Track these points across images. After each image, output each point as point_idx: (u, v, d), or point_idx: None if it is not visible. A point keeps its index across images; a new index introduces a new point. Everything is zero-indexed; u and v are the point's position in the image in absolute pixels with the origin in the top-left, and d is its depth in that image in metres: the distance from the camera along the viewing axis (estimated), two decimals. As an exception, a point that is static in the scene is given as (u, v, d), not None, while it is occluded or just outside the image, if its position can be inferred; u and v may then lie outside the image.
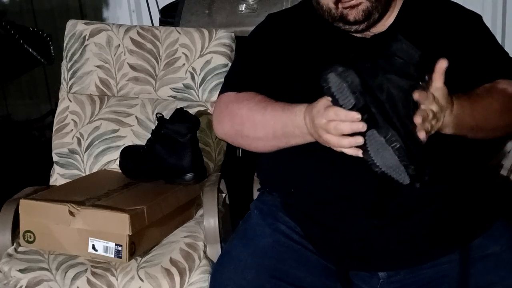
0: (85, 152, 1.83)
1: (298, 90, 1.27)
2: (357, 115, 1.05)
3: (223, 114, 1.33)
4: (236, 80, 1.38)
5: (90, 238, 1.46)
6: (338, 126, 1.08)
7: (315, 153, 1.26)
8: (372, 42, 1.29)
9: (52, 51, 2.42)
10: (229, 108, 1.32)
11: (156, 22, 2.80)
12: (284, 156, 1.31)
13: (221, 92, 1.40)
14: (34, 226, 1.50)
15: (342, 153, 1.22)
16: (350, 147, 1.08)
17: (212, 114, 1.44)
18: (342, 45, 1.31)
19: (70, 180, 1.78)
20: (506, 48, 1.39)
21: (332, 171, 1.24)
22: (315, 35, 1.34)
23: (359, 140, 1.07)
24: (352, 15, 1.27)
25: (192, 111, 1.81)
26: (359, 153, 1.08)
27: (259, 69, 1.34)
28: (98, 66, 1.91)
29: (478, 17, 1.37)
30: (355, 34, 1.31)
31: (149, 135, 1.71)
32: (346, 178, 1.23)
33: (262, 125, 1.25)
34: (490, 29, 1.40)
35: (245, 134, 1.29)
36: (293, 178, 1.30)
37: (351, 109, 1.06)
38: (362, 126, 1.05)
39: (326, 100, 1.10)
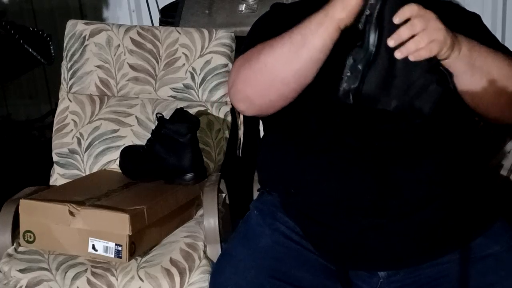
0: (85, 152, 1.83)
1: None
2: None
3: (238, 69, 1.30)
4: (245, 49, 1.36)
5: (90, 238, 1.46)
6: None
7: (316, 153, 1.26)
8: None
9: (52, 51, 2.42)
10: (244, 57, 1.30)
11: (156, 22, 2.80)
12: (284, 156, 1.31)
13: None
14: (34, 226, 1.50)
15: (342, 154, 1.23)
16: None
17: (228, 84, 1.39)
18: (345, 37, 1.31)
19: (70, 180, 1.79)
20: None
21: (332, 171, 1.24)
22: None
23: None
24: None
25: (192, 111, 1.82)
26: None
27: None
28: (98, 66, 1.91)
29: (477, 17, 1.39)
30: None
31: (149, 135, 1.71)
32: (346, 178, 1.23)
33: (280, 41, 1.22)
34: (490, 29, 1.42)
35: (263, 65, 1.24)
36: (293, 179, 1.30)
37: None
38: None
39: None
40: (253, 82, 1.27)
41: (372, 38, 1.13)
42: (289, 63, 1.21)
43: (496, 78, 1.22)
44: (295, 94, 1.25)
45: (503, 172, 1.68)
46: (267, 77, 1.24)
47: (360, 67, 1.14)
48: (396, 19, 1.11)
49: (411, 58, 1.11)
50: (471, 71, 1.19)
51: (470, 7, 1.47)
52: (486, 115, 1.31)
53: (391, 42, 1.11)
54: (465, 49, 1.17)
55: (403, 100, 1.17)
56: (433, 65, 1.16)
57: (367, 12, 1.14)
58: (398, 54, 1.11)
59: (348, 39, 1.18)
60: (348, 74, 1.15)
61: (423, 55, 1.12)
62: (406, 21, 1.12)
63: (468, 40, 1.19)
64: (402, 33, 1.11)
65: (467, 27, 1.33)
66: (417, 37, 1.11)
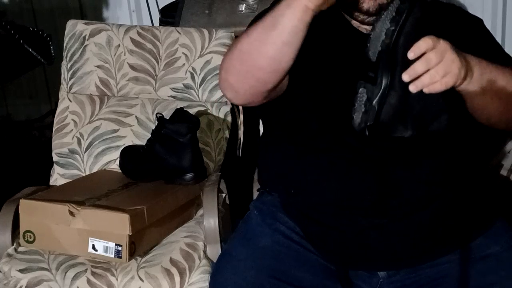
0: (85, 152, 1.83)
1: (300, 81, 1.27)
2: None
3: (223, 59, 1.27)
4: None
5: (90, 238, 1.46)
6: None
7: (316, 153, 1.26)
8: None
9: (52, 51, 2.42)
10: (228, 48, 1.30)
11: (156, 22, 2.80)
12: (284, 156, 1.31)
13: None
14: (34, 226, 1.50)
15: (343, 154, 1.22)
16: None
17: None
18: (347, 39, 1.31)
19: (70, 180, 1.79)
20: (506, 48, 1.40)
21: (332, 171, 1.24)
22: (320, 25, 1.34)
23: None
24: (368, 4, 1.27)
25: (192, 111, 1.81)
26: None
27: None
28: (98, 66, 1.91)
29: (480, 21, 1.39)
30: (361, 28, 1.31)
31: (149, 135, 1.71)
32: (346, 178, 1.23)
33: (254, 26, 1.19)
34: (490, 30, 1.42)
35: (239, 52, 1.21)
36: (293, 178, 1.30)
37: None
38: None
39: None
40: (233, 69, 1.23)
41: (386, 76, 1.12)
42: (261, 46, 1.16)
43: (504, 94, 1.21)
44: (275, 79, 1.20)
45: (503, 172, 1.69)
46: (244, 63, 1.20)
47: (375, 104, 1.13)
48: (411, 55, 1.07)
49: (426, 90, 1.08)
50: (482, 93, 1.18)
51: (470, 7, 1.47)
52: (489, 125, 1.30)
53: (405, 77, 1.07)
54: (476, 74, 1.14)
55: (419, 128, 1.18)
56: (446, 93, 1.15)
57: (379, 48, 1.12)
58: (412, 88, 1.07)
59: (356, 55, 1.17)
60: (363, 110, 1.14)
61: (437, 88, 1.08)
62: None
63: (478, 62, 1.15)
64: (418, 68, 1.07)
65: (469, 31, 1.33)
66: (432, 70, 1.07)
